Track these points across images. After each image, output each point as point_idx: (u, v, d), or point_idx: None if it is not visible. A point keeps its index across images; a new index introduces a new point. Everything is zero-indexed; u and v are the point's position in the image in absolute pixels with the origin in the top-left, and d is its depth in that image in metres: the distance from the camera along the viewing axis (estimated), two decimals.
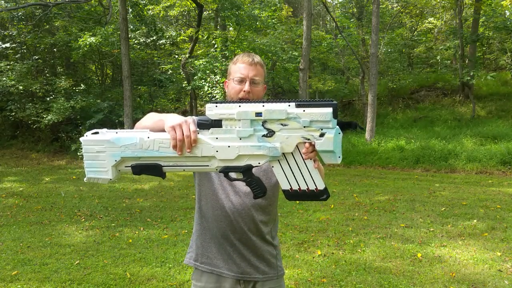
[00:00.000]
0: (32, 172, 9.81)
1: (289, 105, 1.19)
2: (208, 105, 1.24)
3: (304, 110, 1.18)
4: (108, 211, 6.13)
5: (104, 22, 13.37)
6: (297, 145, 1.22)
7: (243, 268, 1.65)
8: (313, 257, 4.14)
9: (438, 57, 17.80)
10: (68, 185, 8.15)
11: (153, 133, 1.25)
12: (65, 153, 12.24)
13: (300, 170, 1.25)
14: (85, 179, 1.28)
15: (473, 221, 5.22)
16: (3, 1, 13.57)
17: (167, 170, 1.26)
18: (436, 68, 18.34)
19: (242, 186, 1.63)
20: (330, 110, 1.18)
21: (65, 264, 4.04)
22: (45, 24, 13.60)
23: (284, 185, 1.27)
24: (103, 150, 1.24)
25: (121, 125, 12.13)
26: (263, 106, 1.20)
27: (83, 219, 5.68)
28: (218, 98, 11.77)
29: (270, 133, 1.21)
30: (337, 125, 1.20)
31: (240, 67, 1.61)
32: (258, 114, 1.20)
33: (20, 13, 13.46)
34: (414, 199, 6.54)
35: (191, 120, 1.23)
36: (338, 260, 4.05)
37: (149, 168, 1.25)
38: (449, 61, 18.34)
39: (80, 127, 12.50)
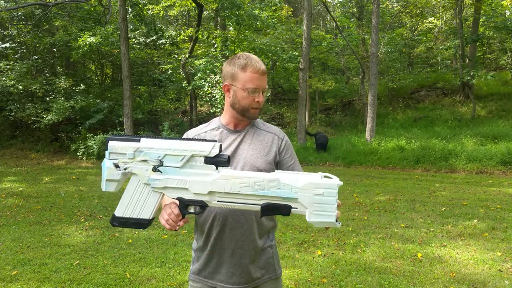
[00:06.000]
0: (32, 172, 9.80)
1: None
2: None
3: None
4: (108, 211, 6.12)
5: (104, 22, 13.36)
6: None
7: (245, 278, 1.66)
8: (313, 257, 4.13)
9: (439, 57, 17.81)
10: (67, 185, 8.14)
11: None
12: (65, 153, 12.24)
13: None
14: None
15: (473, 221, 5.21)
16: (2, 1, 13.56)
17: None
18: (436, 68, 18.34)
19: None
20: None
21: (65, 264, 4.03)
22: (44, 24, 13.58)
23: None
24: None
25: (121, 125, 12.13)
26: None
27: (83, 219, 5.67)
28: (218, 97, 11.76)
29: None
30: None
31: (254, 77, 1.58)
32: None
33: (20, 13, 13.45)
34: (415, 199, 6.54)
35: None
36: (338, 260, 4.04)
37: None
38: (449, 61, 18.34)
39: (80, 127, 12.50)
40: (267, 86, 1.63)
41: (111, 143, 1.35)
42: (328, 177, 1.32)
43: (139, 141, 1.34)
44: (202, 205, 1.35)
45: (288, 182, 1.29)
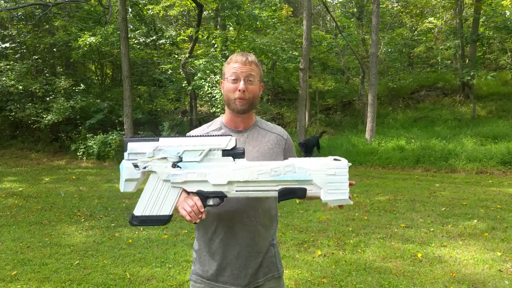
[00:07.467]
0: (32, 172, 9.80)
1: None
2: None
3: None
4: (107, 211, 6.12)
5: (104, 22, 13.36)
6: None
7: (249, 279, 1.66)
8: (313, 257, 4.13)
9: (439, 57, 17.80)
10: (67, 185, 8.14)
11: None
12: (65, 153, 12.24)
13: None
14: None
15: (473, 221, 5.21)
16: (2, 1, 13.56)
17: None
18: (436, 68, 18.33)
19: None
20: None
21: (64, 264, 4.03)
22: (44, 24, 13.59)
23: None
24: None
25: (121, 125, 12.13)
26: None
27: (82, 219, 5.67)
28: (218, 97, 11.77)
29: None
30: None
31: (234, 66, 1.60)
32: None
33: (20, 13, 13.45)
34: (415, 199, 6.53)
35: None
36: (338, 260, 4.04)
37: None
38: (449, 61, 18.34)
39: (80, 127, 12.50)
40: (252, 76, 1.60)
41: (130, 145, 1.40)
42: (338, 160, 1.40)
43: (157, 140, 1.40)
44: (221, 196, 1.40)
45: (302, 165, 1.37)
